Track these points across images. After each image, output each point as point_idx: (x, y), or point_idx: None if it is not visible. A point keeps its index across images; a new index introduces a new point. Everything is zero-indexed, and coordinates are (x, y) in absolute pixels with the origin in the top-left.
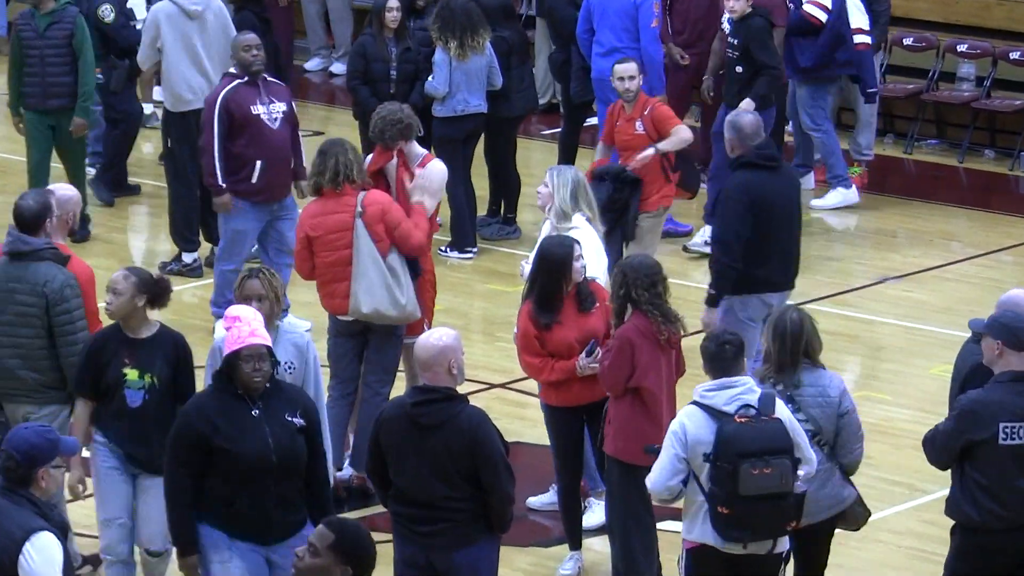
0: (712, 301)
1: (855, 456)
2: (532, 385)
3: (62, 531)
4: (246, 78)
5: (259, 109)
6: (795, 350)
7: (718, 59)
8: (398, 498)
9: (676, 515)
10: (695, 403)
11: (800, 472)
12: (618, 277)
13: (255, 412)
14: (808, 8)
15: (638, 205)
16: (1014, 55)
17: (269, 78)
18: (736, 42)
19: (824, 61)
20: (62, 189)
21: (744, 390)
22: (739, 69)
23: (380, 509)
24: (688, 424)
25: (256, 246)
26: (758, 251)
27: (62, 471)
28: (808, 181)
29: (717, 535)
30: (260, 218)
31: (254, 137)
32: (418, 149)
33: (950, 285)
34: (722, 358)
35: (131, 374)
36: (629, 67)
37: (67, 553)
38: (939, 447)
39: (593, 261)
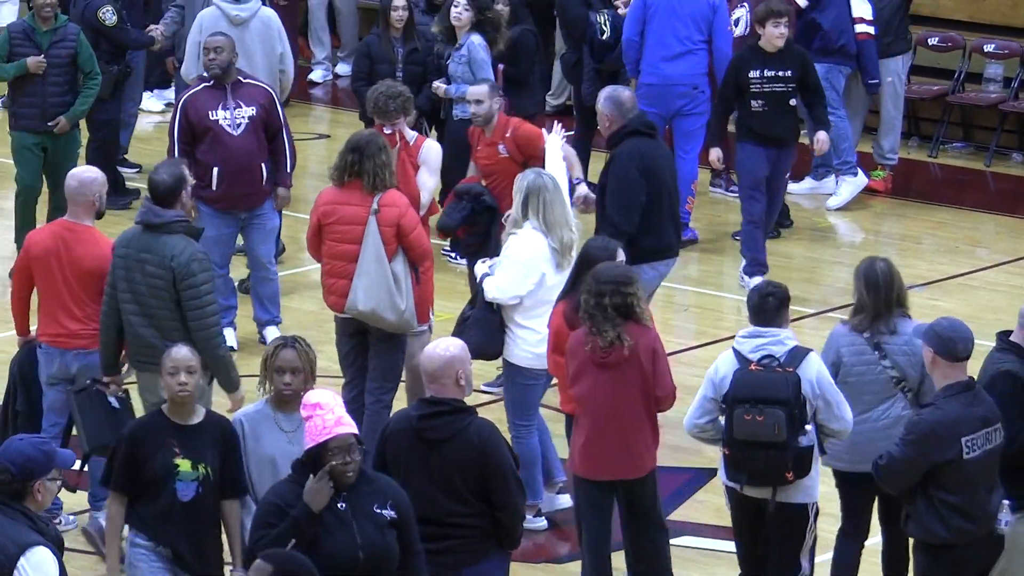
0: None
1: None
2: (544, 398)
3: (58, 546)
4: (211, 81)
5: (218, 115)
6: (889, 299)
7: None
8: None
9: (695, 531)
10: (733, 347)
11: (834, 427)
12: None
13: (340, 506)
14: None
15: (499, 231)
16: None
17: (245, 80)
18: (789, 73)
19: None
20: (84, 172)
21: (772, 341)
22: (793, 101)
23: None
24: (720, 367)
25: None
26: (649, 219)
27: (58, 484)
28: (828, 184)
29: (723, 474)
30: (228, 224)
31: (212, 143)
32: (410, 131)
33: (977, 293)
34: (763, 309)
35: (183, 464)
36: (479, 90)
37: (62, 568)
38: (903, 475)
39: (513, 274)
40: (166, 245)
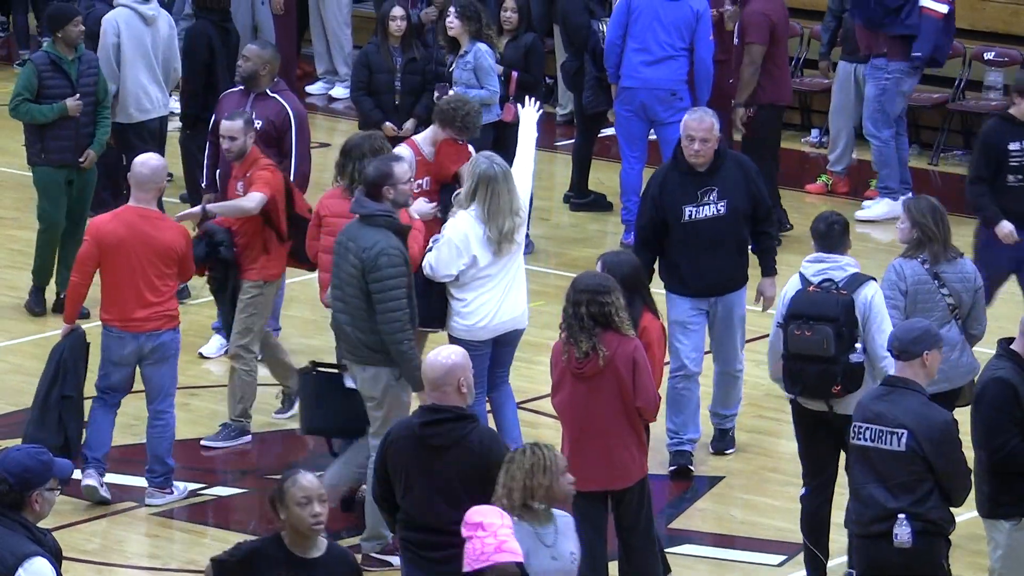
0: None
1: (983, 327)
2: (547, 405)
3: (55, 556)
4: (242, 87)
5: None
6: (948, 231)
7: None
8: (406, 523)
9: (697, 539)
10: (799, 271)
11: (881, 366)
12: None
13: None
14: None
15: (237, 274)
16: None
17: (272, 93)
18: None
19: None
20: (151, 159)
21: (834, 266)
22: None
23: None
24: (787, 290)
25: None
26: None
27: (56, 494)
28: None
29: (784, 385)
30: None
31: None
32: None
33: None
34: (828, 235)
35: None
36: (234, 126)
37: None
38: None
39: (446, 254)
40: (365, 236)
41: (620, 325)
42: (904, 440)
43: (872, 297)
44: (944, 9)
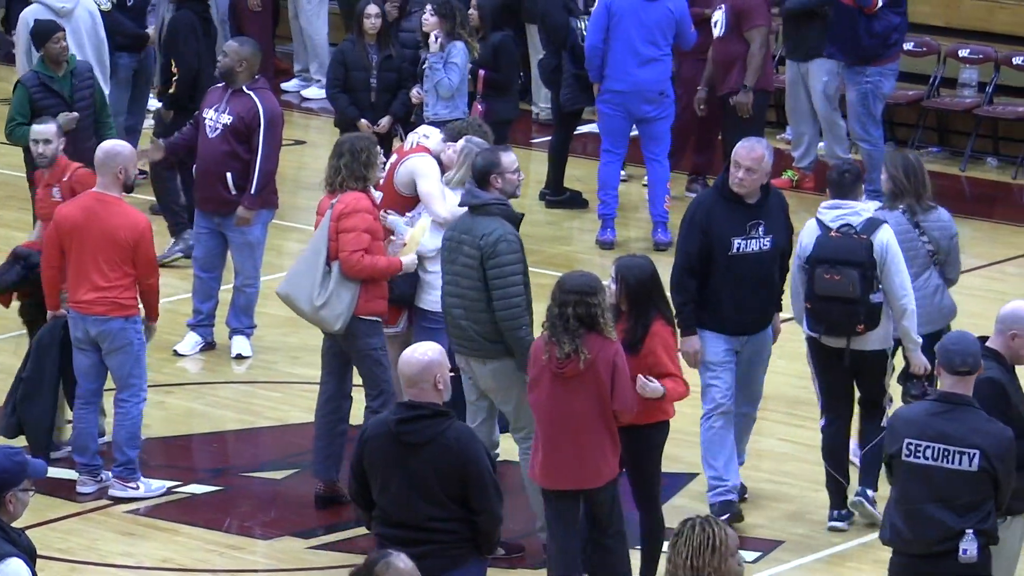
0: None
1: (958, 272)
2: None
3: (30, 556)
4: (223, 81)
5: (208, 114)
6: (924, 181)
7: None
8: (382, 519)
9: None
10: (816, 217)
11: (901, 303)
12: None
13: None
14: None
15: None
16: (1017, 60)
17: (248, 90)
18: None
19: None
20: (111, 144)
21: (851, 212)
22: None
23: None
24: (804, 236)
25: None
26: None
27: (30, 494)
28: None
29: (806, 325)
30: (206, 225)
31: (199, 140)
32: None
33: (953, 298)
34: (841, 184)
35: None
36: (47, 129)
37: None
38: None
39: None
40: (480, 225)
41: (604, 327)
42: (976, 460)
43: (888, 240)
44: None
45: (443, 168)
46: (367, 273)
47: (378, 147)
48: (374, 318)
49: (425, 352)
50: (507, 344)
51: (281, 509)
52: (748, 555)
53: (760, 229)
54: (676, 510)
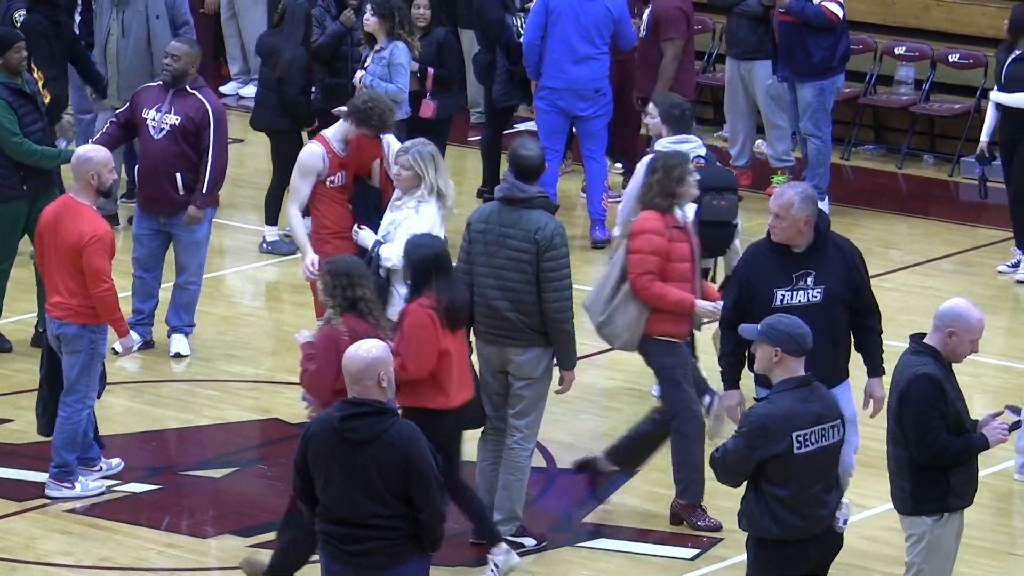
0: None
1: None
2: None
3: None
4: (161, 81)
5: (148, 114)
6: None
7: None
8: (325, 516)
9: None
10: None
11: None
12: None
13: None
14: (827, 4)
15: None
16: (953, 57)
17: (191, 89)
18: None
19: (831, 57)
20: (86, 150)
21: (697, 145)
22: None
23: None
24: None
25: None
26: None
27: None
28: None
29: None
30: (149, 226)
31: (140, 141)
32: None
33: (889, 295)
34: (682, 119)
35: None
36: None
37: None
38: (731, 468)
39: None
40: (530, 219)
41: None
42: (839, 430)
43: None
44: (840, 13)
45: (397, 184)
46: (653, 302)
47: (688, 164)
48: (667, 338)
49: (370, 349)
50: (549, 333)
51: (221, 507)
52: (687, 552)
53: (809, 280)
54: (613, 508)
